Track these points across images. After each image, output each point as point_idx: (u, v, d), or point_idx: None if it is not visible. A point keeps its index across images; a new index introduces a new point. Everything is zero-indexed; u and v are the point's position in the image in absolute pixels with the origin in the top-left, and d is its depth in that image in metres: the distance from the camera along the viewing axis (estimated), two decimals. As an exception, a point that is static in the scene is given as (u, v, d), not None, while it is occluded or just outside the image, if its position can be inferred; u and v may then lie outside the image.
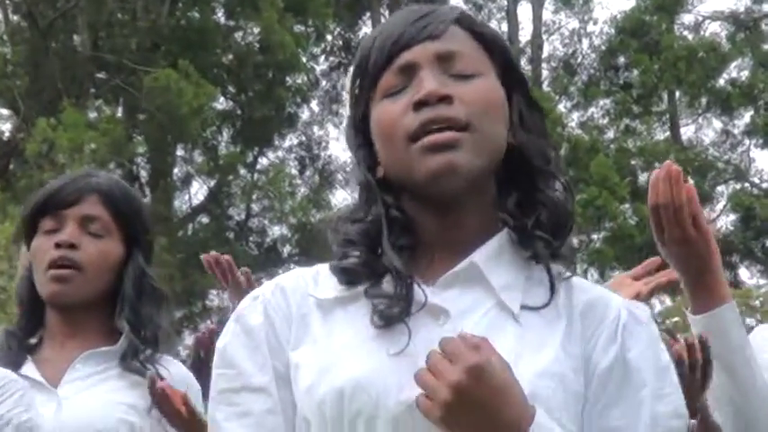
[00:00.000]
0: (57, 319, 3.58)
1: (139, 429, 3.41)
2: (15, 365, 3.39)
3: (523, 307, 2.17)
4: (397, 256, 2.16)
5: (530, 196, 2.23)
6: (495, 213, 2.24)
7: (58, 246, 3.49)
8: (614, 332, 2.16)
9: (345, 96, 2.40)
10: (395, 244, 2.18)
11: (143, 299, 3.61)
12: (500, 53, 2.27)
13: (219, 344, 2.26)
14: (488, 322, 2.14)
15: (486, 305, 2.16)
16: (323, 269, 2.25)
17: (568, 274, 2.22)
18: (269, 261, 31.69)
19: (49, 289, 3.50)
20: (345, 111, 2.54)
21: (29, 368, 3.45)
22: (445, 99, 2.14)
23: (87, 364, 3.49)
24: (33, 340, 3.59)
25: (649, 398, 2.14)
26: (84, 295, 3.53)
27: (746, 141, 33.70)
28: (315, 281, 2.25)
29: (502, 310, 2.16)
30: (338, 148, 33.74)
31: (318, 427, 2.12)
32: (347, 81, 2.37)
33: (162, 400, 3.44)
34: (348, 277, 2.19)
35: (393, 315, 2.11)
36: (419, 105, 2.13)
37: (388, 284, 2.15)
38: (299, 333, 2.20)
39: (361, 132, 2.27)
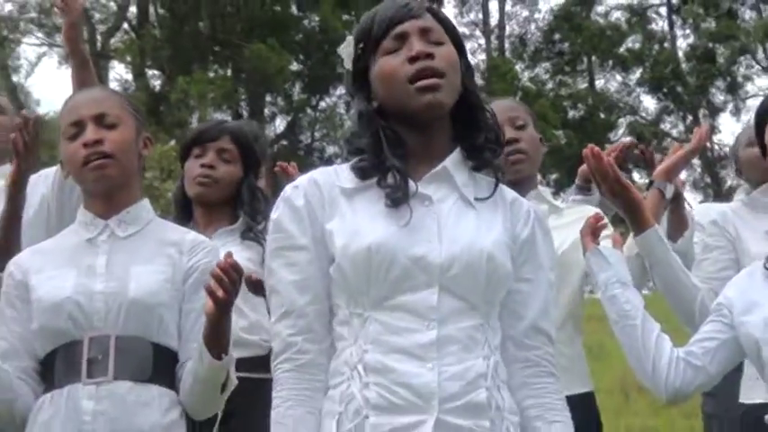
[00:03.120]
0: (200, 212, 3.59)
1: (254, 272, 3.32)
2: None
3: (477, 199, 2.11)
4: (396, 160, 2.07)
5: (475, 124, 2.15)
6: (450, 135, 2.16)
7: (202, 166, 3.53)
8: (527, 218, 2.14)
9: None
10: (393, 153, 2.09)
11: (254, 201, 3.59)
12: (452, 32, 2.19)
13: (273, 216, 2.15)
14: (457, 207, 2.09)
15: (454, 196, 2.10)
16: (340, 168, 2.15)
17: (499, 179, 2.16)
18: None
19: (196, 191, 3.55)
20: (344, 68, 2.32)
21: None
22: (430, 56, 2.07)
23: (220, 238, 3.45)
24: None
25: (547, 268, 2.14)
26: (217, 197, 3.56)
27: (637, 89, 33.22)
28: (337, 175, 2.13)
29: (463, 200, 2.10)
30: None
31: (353, 273, 2.03)
32: (346, 48, 2.25)
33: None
34: (363, 173, 2.09)
35: (398, 198, 2.04)
36: (413, 60, 2.06)
37: (391, 179, 2.07)
38: (331, 210, 2.09)
39: (359, 80, 2.17)
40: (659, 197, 3.42)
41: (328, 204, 2.09)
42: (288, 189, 2.12)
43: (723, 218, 3.32)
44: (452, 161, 2.11)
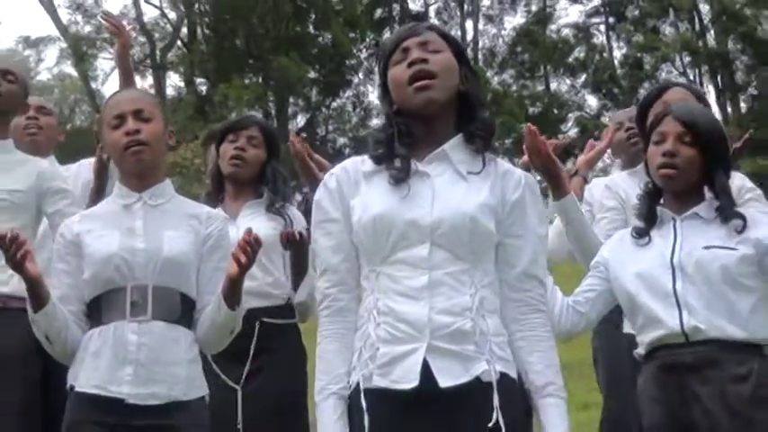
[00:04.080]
0: (231, 188, 3.39)
1: (275, 237, 3.25)
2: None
3: (470, 173, 2.02)
4: (402, 148, 2.02)
5: (472, 116, 2.05)
6: (454, 125, 2.06)
7: (236, 149, 3.33)
8: (518, 185, 2.03)
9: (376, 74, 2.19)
10: (401, 143, 2.03)
11: (276, 180, 3.38)
12: (453, 43, 2.09)
13: (315, 197, 2.10)
14: (451, 180, 2.01)
15: (450, 171, 2.02)
16: (365, 158, 2.08)
17: (495, 157, 2.06)
18: (338, 158, 26.02)
19: (230, 170, 3.34)
20: (376, 80, 2.22)
21: (221, 212, 3.11)
22: (424, 60, 2.00)
23: (249, 209, 3.33)
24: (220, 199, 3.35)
25: (535, 225, 2.03)
26: (246, 176, 3.36)
27: (583, 90, 32.89)
28: (362, 162, 2.08)
29: (458, 174, 2.02)
30: (373, 97, 31.94)
31: (365, 238, 1.99)
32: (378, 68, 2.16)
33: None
34: (378, 160, 2.04)
35: (399, 178, 1.99)
36: (411, 65, 2.00)
37: (397, 163, 2.01)
38: (355, 190, 2.05)
39: (384, 91, 2.10)
40: (582, 182, 3.47)
41: (353, 185, 2.05)
42: (327, 176, 2.10)
43: (613, 183, 3.30)
44: (451, 144, 2.04)
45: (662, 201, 2.62)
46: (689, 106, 2.73)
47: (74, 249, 2.51)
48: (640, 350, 2.56)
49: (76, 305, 2.49)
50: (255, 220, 3.22)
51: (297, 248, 3.17)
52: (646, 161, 2.64)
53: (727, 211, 2.51)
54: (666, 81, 3.15)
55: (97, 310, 2.47)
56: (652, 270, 2.51)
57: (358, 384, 1.94)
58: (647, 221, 2.61)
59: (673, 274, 2.48)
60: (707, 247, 2.48)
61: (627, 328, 2.99)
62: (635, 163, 3.36)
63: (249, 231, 2.36)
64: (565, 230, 2.77)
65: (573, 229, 2.72)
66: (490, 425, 1.84)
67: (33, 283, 2.35)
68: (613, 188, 3.27)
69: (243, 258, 2.34)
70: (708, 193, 2.58)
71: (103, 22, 3.56)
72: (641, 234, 2.60)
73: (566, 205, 2.70)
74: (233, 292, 2.43)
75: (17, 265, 2.30)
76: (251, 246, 2.34)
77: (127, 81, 3.48)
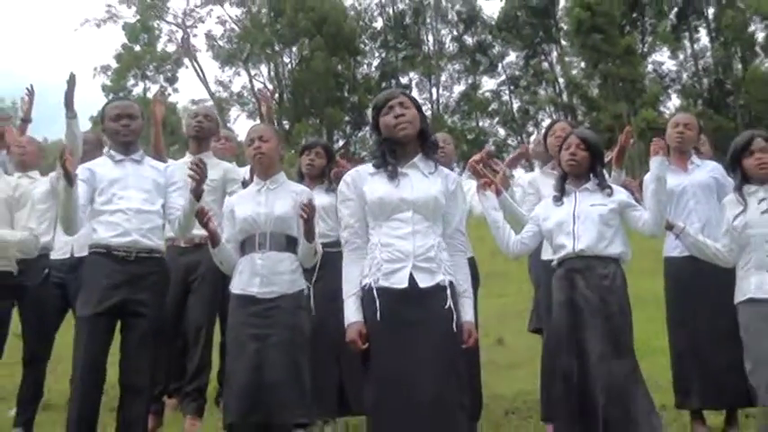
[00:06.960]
0: (307, 180, 3.11)
1: (331, 204, 2.95)
2: None
3: (429, 173, 1.93)
4: (391, 159, 1.91)
5: (426, 142, 1.95)
6: (418, 145, 1.95)
7: (309, 159, 3.11)
8: (453, 182, 1.95)
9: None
10: (390, 156, 1.93)
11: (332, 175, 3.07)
12: (415, 102, 1.97)
13: (339, 188, 1.95)
14: (420, 177, 1.91)
15: (418, 172, 1.92)
16: (368, 165, 1.95)
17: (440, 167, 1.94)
18: (362, 164, 23.06)
19: (306, 171, 3.12)
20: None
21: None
22: (403, 114, 1.89)
23: (318, 190, 3.07)
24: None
25: (461, 202, 1.97)
26: (315, 174, 3.13)
27: (497, 126, 31.76)
28: (366, 167, 1.95)
29: (423, 174, 1.92)
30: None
31: (375, 207, 1.88)
32: (369, 114, 1.97)
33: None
34: (376, 166, 1.92)
35: (392, 175, 1.89)
36: (397, 116, 1.89)
37: (389, 168, 1.90)
38: (364, 181, 1.92)
39: (375, 128, 1.96)
40: (505, 178, 3.23)
41: (363, 179, 1.94)
42: (345, 176, 1.99)
43: (532, 178, 3.15)
44: (418, 158, 1.94)
45: (567, 181, 2.60)
46: (584, 131, 2.71)
47: (231, 215, 2.48)
48: (554, 262, 2.54)
49: (233, 244, 2.46)
50: (322, 197, 3.10)
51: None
52: (558, 162, 2.62)
53: (603, 185, 2.54)
54: (555, 119, 3.29)
55: (243, 248, 2.45)
56: (563, 219, 2.49)
57: (370, 287, 1.84)
58: (561, 192, 2.58)
59: (573, 220, 2.47)
60: (592, 205, 2.50)
61: (543, 255, 2.92)
62: (545, 166, 3.25)
63: (308, 198, 2.37)
64: (504, 213, 2.71)
65: (508, 212, 2.70)
66: (445, 307, 1.82)
67: (213, 233, 2.40)
68: (532, 182, 3.14)
69: (303, 215, 2.35)
70: (590, 177, 2.58)
71: (258, 93, 3.36)
72: (557, 200, 2.58)
73: (503, 202, 2.70)
74: (307, 232, 2.39)
75: (205, 224, 2.37)
76: (308, 207, 2.34)
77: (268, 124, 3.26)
